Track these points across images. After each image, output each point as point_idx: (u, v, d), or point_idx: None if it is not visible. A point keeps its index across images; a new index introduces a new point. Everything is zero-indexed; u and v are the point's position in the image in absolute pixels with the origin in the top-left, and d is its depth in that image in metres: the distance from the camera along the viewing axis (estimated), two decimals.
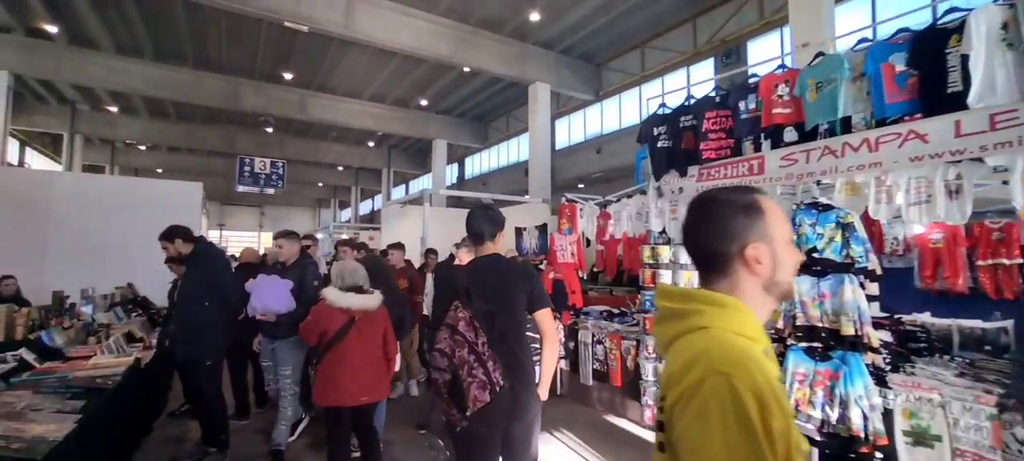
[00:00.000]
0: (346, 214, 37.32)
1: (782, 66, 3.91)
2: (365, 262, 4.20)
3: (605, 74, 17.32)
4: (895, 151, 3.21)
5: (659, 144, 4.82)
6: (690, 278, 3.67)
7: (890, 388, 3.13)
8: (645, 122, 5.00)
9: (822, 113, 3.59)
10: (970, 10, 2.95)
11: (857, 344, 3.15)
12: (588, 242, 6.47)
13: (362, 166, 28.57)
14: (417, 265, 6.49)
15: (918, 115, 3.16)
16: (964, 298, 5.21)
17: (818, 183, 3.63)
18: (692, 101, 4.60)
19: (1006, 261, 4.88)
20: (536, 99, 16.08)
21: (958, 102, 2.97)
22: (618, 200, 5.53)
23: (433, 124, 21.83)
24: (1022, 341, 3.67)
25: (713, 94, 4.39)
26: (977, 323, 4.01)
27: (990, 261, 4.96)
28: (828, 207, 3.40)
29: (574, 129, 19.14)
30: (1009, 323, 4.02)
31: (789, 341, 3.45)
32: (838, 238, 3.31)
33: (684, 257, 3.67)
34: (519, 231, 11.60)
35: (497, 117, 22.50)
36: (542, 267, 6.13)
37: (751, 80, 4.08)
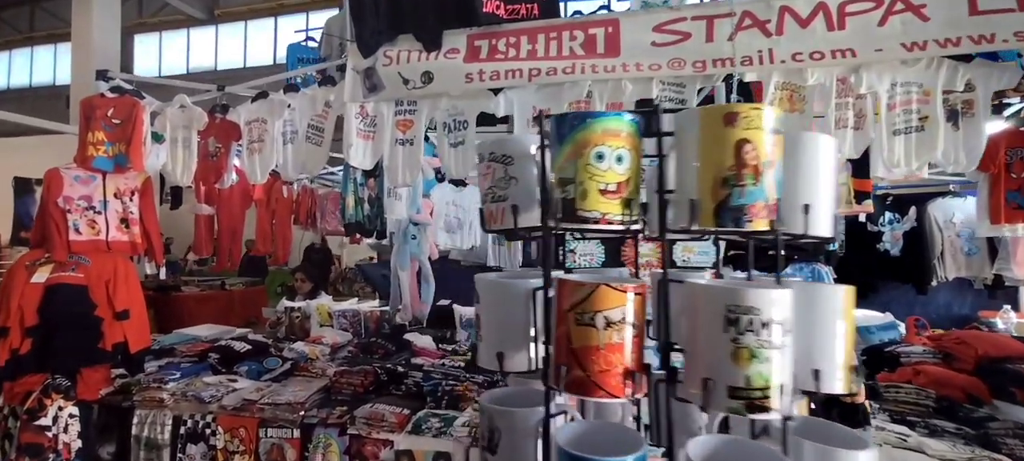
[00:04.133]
0: None
1: None
2: None
3: None
4: (873, 31, 1.62)
5: None
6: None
7: None
8: None
9: None
10: None
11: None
12: (173, 197, 2.82)
13: None
14: None
15: None
16: None
17: (730, 80, 1.75)
18: None
19: None
20: None
21: None
22: (262, 97, 2.22)
23: None
24: None
25: None
26: None
27: None
28: None
29: (170, 54, 12.82)
30: None
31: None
32: None
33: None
34: (25, 186, 5.89)
35: (8, 4, 12.96)
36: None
37: None
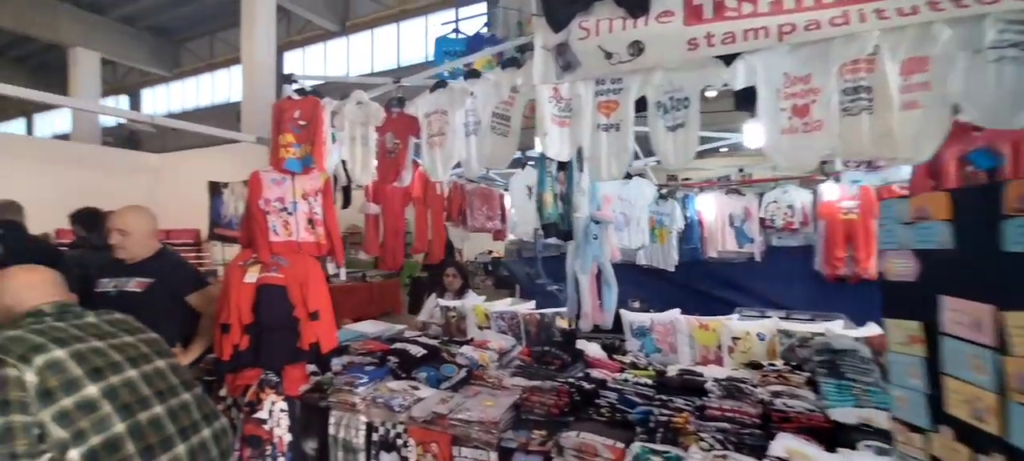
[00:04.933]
0: None
1: None
2: None
3: (354, 1, 13.16)
4: None
5: None
6: None
7: None
8: None
9: None
10: None
11: None
12: (345, 196, 2.86)
13: None
14: None
15: None
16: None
17: None
18: None
19: None
20: (253, 7, 10.79)
21: None
22: (441, 87, 2.09)
23: (67, 22, 13.11)
24: None
25: None
26: None
27: None
28: None
29: (310, 67, 14.24)
30: None
31: None
32: None
33: None
34: (216, 188, 6.80)
35: (194, 36, 15.36)
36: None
37: None
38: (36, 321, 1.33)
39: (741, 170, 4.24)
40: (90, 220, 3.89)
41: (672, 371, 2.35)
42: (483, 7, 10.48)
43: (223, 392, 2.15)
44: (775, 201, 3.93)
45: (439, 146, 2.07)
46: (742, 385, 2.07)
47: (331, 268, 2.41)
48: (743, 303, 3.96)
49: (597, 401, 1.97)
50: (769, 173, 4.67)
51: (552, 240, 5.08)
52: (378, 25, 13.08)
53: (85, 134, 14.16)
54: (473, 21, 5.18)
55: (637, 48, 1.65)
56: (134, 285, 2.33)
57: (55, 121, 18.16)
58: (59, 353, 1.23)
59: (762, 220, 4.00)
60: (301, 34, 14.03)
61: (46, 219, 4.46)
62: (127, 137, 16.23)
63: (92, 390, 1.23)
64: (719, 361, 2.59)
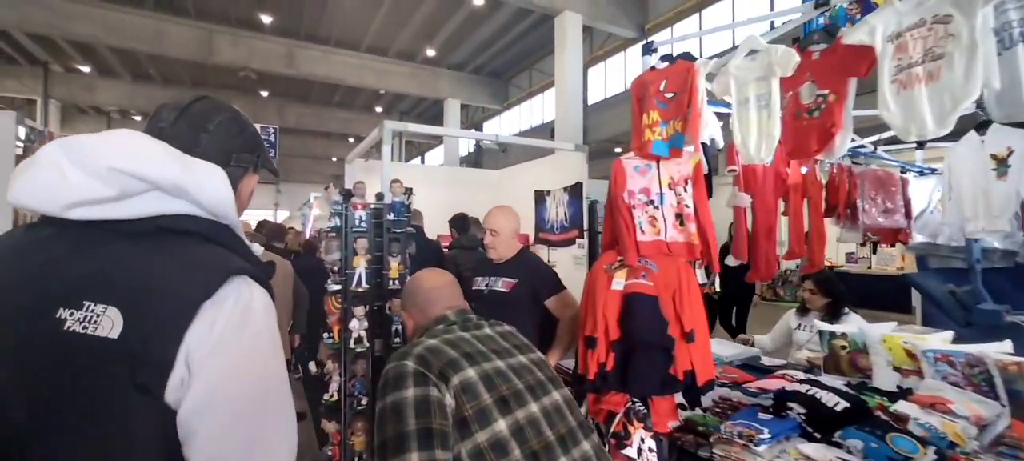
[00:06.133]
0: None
1: None
2: None
3: (652, 1, 12.79)
4: None
5: None
6: None
7: None
8: None
9: None
10: None
11: None
12: (706, 181, 2.25)
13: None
14: None
15: None
16: None
17: None
18: None
19: None
20: (564, 34, 11.74)
21: None
22: None
23: (444, 81, 17.75)
24: None
25: None
26: None
27: None
28: None
29: (611, 78, 14.67)
30: None
31: None
32: None
33: None
34: (540, 196, 7.49)
35: (518, 72, 18.19)
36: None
37: None
38: (446, 329, 1.24)
39: None
40: (461, 224, 4.61)
41: None
42: None
43: (583, 411, 1.89)
44: None
45: (926, 81, 1.18)
46: None
47: (701, 275, 1.86)
48: None
49: None
50: None
51: (994, 244, 3.27)
52: (678, 21, 12.31)
53: (452, 160, 18.76)
54: None
55: None
56: (501, 285, 2.39)
57: (437, 155, 24.96)
58: (471, 372, 1.06)
59: None
60: (602, 50, 14.61)
61: (434, 224, 5.69)
62: (474, 161, 20.67)
63: (502, 426, 1.01)
64: None
